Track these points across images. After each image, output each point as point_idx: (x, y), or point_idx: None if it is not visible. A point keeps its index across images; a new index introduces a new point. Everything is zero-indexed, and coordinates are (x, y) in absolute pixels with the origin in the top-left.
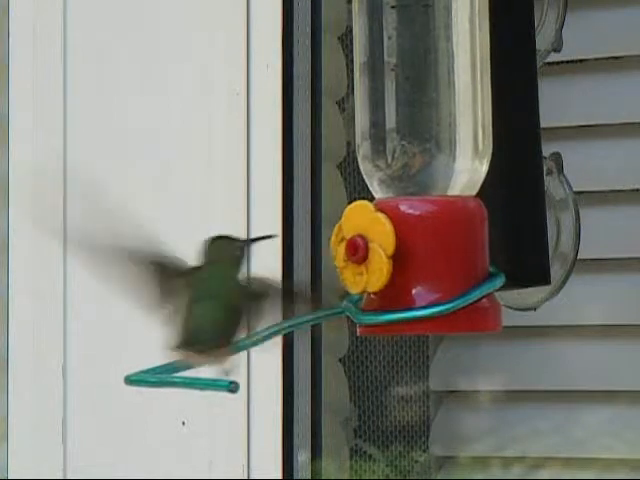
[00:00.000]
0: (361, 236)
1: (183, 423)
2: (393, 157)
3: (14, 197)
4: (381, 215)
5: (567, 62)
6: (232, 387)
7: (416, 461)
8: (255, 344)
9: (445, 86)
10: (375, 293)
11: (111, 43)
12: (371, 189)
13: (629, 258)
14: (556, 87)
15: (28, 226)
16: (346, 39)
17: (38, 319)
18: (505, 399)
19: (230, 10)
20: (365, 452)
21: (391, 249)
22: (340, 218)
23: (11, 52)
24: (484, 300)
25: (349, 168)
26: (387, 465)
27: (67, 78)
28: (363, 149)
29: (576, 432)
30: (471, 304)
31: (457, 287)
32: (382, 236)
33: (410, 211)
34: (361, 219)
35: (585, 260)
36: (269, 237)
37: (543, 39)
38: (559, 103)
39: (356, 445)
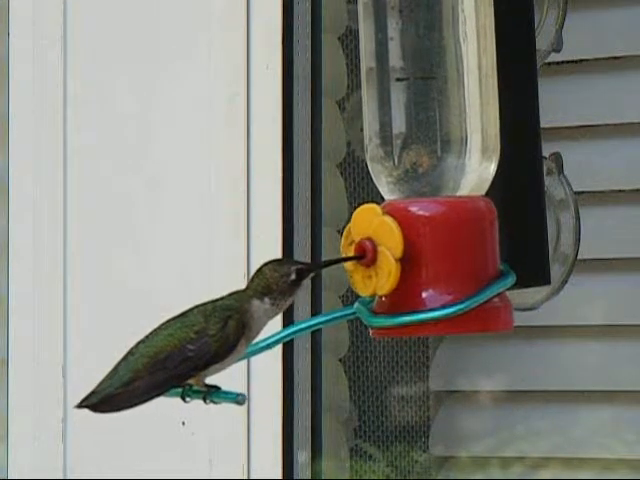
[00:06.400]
0: (369, 239)
1: (183, 423)
2: (401, 158)
3: (14, 197)
4: (389, 218)
5: (567, 62)
6: (239, 399)
7: (416, 461)
8: (268, 347)
9: (453, 87)
10: (386, 295)
11: (111, 43)
12: (380, 190)
13: (629, 258)
14: (556, 87)
15: (28, 226)
16: (346, 39)
17: (38, 319)
18: (505, 399)
19: (230, 10)
20: (365, 452)
21: (399, 252)
22: (340, 218)
23: (11, 52)
24: (496, 299)
25: (349, 168)
26: (387, 465)
27: (67, 78)
28: (371, 150)
29: (576, 432)
30: (482, 304)
31: (468, 287)
32: (390, 239)
33: (419, 212)
34: (369, 222)
35: (585, 260)
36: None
37: (543, 39)
38: (559, 103)
39: (356, 445)
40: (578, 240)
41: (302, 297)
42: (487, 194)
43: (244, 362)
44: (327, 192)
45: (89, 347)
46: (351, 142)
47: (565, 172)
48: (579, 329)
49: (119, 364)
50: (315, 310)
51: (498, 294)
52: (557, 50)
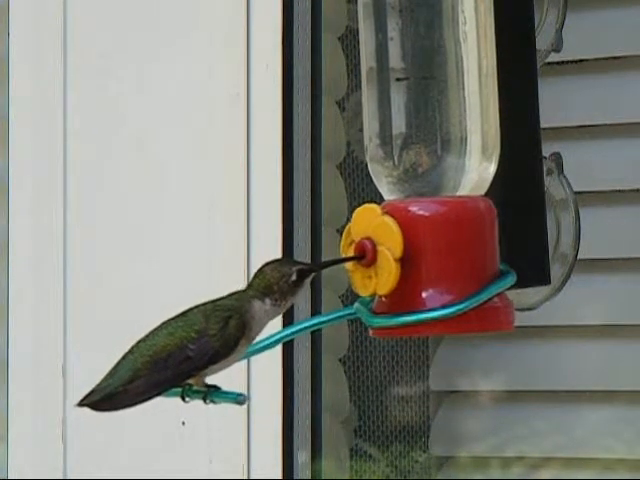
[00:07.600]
0: (369, 239)
1: (183, 423)
2: (401, 158)
3: (14, 197)
4: (388, 218)
5: (567, 62)
6: (239, 399)
7: (416, 461)
8: (267, 347)
9: (453, 87)
10: (386, 295)
11: (111, 43)
12: (380, 190)
13: (629, 258)
14: (556, 87)
15: (28, 226)
16: (346, 39)
17: (38, 319)
18: (505, 399)
19: (230, 10)
20: (365, 452)
21: (399, 252)
22: (340, 218)
23: (11, 52)
24: (496, 299)
25: (349, 168)
26: (387, 465)
27: (67, 78)
28: (371, 151)
29: (576, 432)
30: (483, 304)
31: (468, 287)
32: (390, 239)
33: (419, 212)
34: (369, 222)
35: (585, 260)
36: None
37: (543, 39)
38: (559, 103)
39: (356, 445)
40: (578, 240)
41: (302, 297)
42: (487, 194)
43: (244, 362)
44: (327, 192)
45: (89, 347)
46: (351, 142)
47: (565, 172)
48: (579, 329)
49: (119, 363)
50: (315, 310)
51: (498, 294)
52: (557, 50)
